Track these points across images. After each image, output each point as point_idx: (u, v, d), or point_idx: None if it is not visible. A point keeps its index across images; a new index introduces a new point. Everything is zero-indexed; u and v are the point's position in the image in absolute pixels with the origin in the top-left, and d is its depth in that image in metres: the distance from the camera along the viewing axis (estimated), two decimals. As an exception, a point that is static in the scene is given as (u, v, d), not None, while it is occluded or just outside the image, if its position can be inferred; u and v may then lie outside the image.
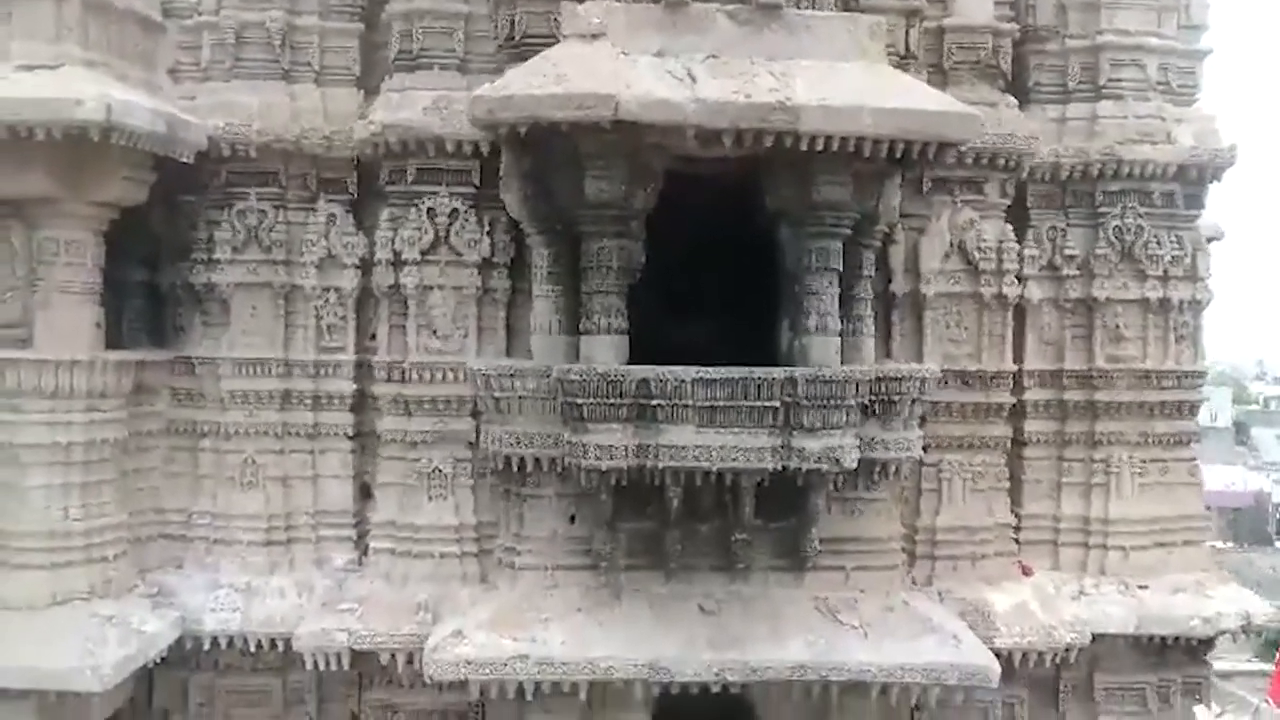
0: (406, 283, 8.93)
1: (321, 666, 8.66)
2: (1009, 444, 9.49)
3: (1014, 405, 9.52)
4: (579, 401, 7.63)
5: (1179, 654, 9.58)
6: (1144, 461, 9.58)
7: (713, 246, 8.91)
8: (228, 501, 9.21)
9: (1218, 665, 29.20)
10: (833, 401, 7.66)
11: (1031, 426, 9.63)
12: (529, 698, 7.87)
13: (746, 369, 7.61)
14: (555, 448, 8.19)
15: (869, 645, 8.04)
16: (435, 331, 8.95)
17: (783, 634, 8.10)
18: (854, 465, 7.81)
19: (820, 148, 7.22)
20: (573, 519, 8.52)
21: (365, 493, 9.47)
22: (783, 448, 7.69)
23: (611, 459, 7.63)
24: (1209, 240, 10.47)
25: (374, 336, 9.31)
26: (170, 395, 9.36)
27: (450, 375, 8.92)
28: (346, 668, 8.67)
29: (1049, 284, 9.60)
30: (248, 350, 9.19)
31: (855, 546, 8.63)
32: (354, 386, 9.35)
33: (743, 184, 8.10)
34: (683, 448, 7.64)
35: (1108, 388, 9.49)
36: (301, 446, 9.34)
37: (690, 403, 7.60)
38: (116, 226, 8.76)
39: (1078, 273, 9.55)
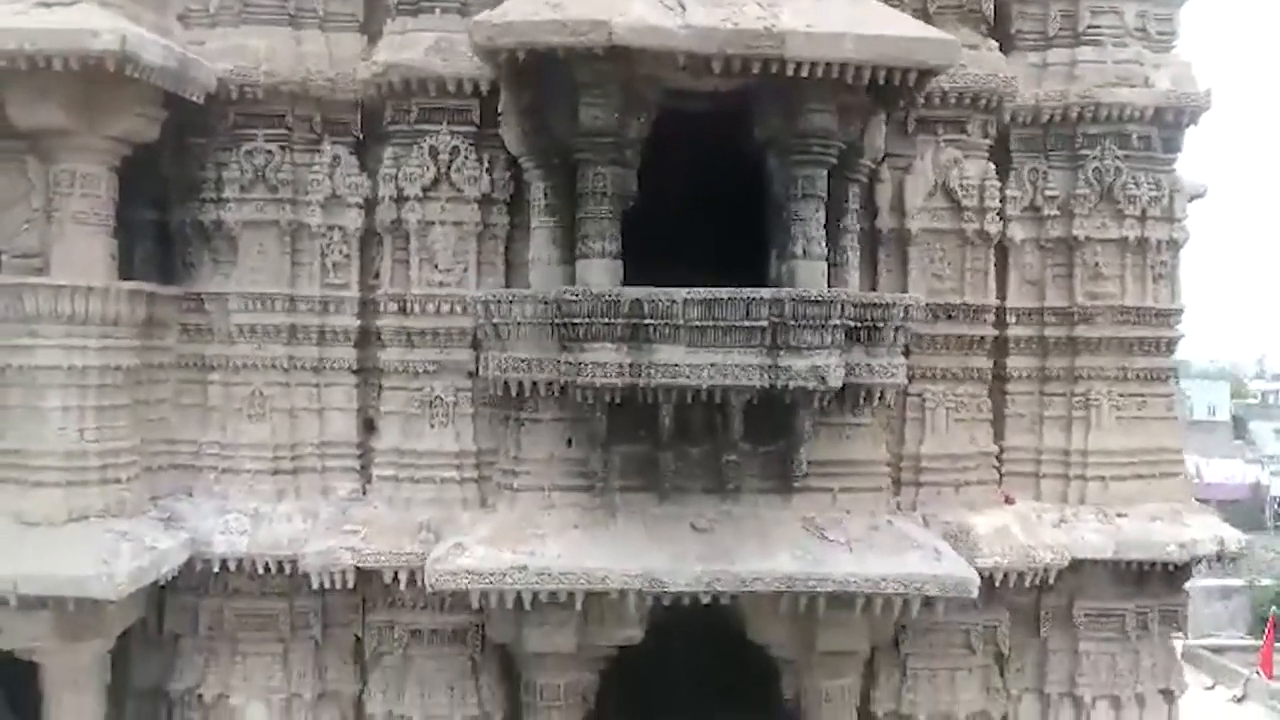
0: (409, 218, 9.25)
1: (327, 585, 8.97)
2: (991, 377, 9.79)
3: (996, 339, 9.84)
4: (575, 321, 7.95)
5: (1156, 582, 9.88)
6: (1122, 396, 9.88)
7: (706, 202, 9.29)
8: (236, 432, 9.52)
9: (1212, 641, 29.70)
10: (818, 322, 7.97)
11: (1014, 362, 9.94)
12: (527, 608, 8.17)
13: (735, 289, 7.93)
14: (552, 371, 8.50)
15: (854, 559, 8.35)
16: (437, 265, 9.27)
17: (771, 549, 8.41)
18: (839, 384, 8.12)
19: (805, 74, 7.54)
20: (569, 442, 8.84)
21: (369, 426, 9.78)
22: (770, 367, 8.01)
23: (606, 376, 7.95)
24: (1192, 197, 10.81)
25: (377, 275, 9.64)
26: (180, 330, 9.67)
27: (451, 307, 9.25)
28: (351, 586, 8.97)
29: (1030, 224, 9.92)
30: (255, 286, 9.50)
31: (842, 469, 8.95)
32: (358, 322, 9.68)
33: (734, 126, 8.43)
34: (674, 365, 7.96)
35: (1087, 324, 9.80)
36: (307, 380, 9.66)
37: (681, 322, 7.92)
38: (128, 164, 9.07)
39: (1058, 213, 9.86)
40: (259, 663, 9.52)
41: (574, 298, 7.90)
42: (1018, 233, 9.88)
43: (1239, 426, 76.47)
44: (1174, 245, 10.07)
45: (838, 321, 8.03)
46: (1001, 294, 9.91)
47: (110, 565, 8.08)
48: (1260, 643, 26.96)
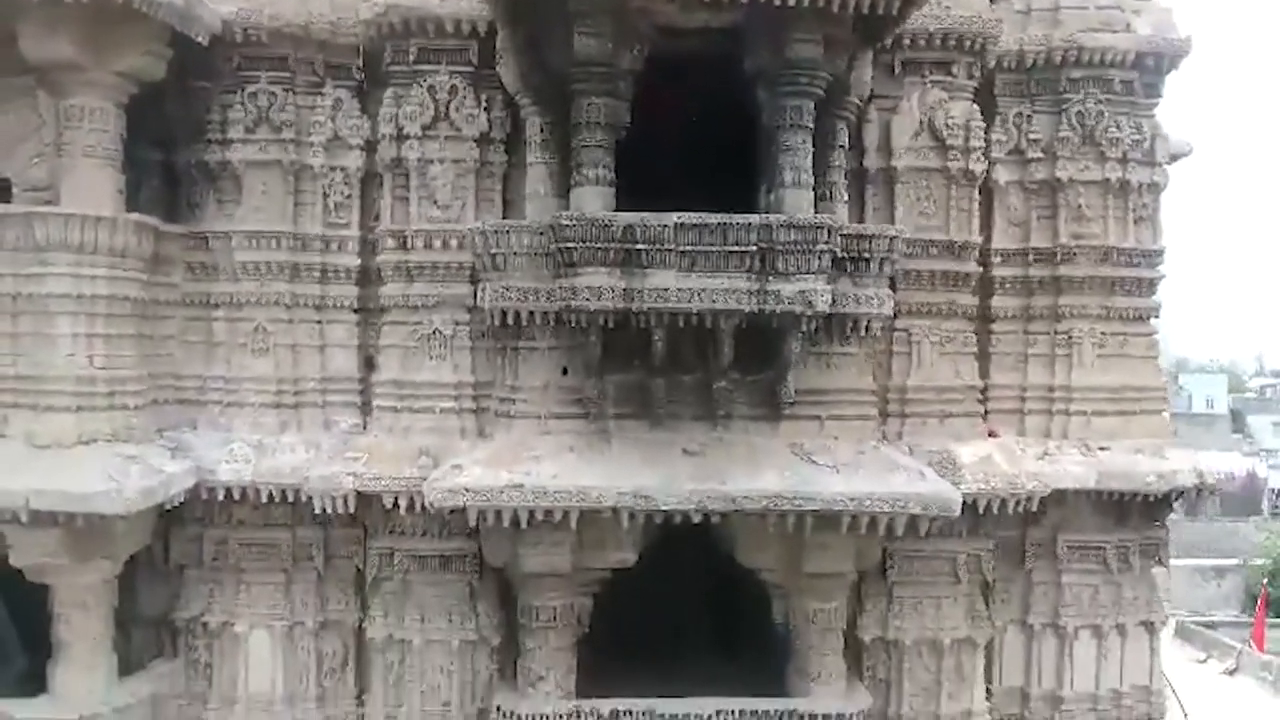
0: (408, 156, 9.50)
1: (329, 510, 9.22)
2: (977, 316, 10.04)
3: (982, 279, 10.09)
4: (569, 246, 8.19)
5: (1137, 515, 10.14)
6: (1105, 334, 10.14)
7: (704, 159, 9.56)
8: (240, 366, 9.78)
9: (1206, 619, 29.95)
10: (806, 247, 8.20)
11: (999, 302, 10.20)
12: (523, 526, 8.41)
13: (726, 215, 8.17)
14: (548, 300, 8.77)
15: (841, 480, 8.59)
16: (436, 202, 9.52)
17: (760, 471, 8.65)
18: (826, 309, 8.35)
19: (792, 2, 7.78)
20: (564, 371, 9.08)
21: (370, 364, 10.04)
22: (759, 292, 8.24)
23: (599, 300, 8.19)
24: (1176, 155, 11.09)
25: (378, 216, 9.89)
26: (185, 268, 9.91)
27: (450, 242, 9.50)
28: (351, 511, 9.22)
29: (1015, 167, 10.18)
30: (258, 224, 9.75)
31: (829, 398, 9.19)
32: (358, 261, 9.94)
33: (727, 73, 8.66)
34: (666, 290, 8.19)
35: (1070, 264, 10.05)
36: (309, 317, 9.91)
37: (672, 247, 8.16)
38: (135, 104, 9.31)
39: (1042, 156, 10.11)
40: (263, 592, 9.79)
41: (568, 222, 8.14)
42: (1002, 175, 10.14)
43: (1237, 420, 76.73)
44: (1155, 188, 10.32)
45: (824, 247, 8.26)
46: (987, 236, 10.16)
47: (119, 483, 8.34)
48: (1252, 619, 27.27)
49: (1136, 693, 10.27)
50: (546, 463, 8.62)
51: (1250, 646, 25.73)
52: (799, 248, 8.20)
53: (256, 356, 9.78)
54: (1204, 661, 26.27)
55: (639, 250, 8.17)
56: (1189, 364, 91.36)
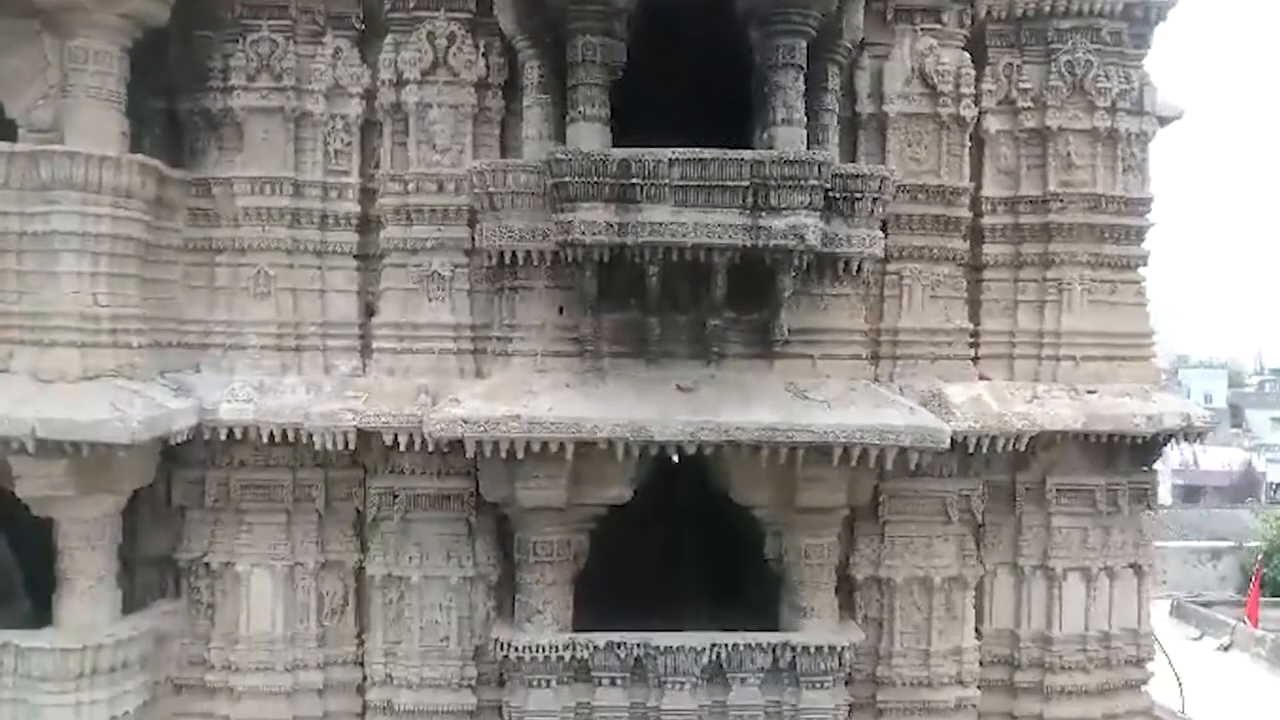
0: (408, 100, 9.65)
1: (329, 447, 9.36)
2: (967, 258, 10.18)
3: (972, 226, 10.23)
4: (565, 181, 8.36)
5: (1125, 459, 10.27)
6: (1094, 281, 10.25)
7: (696, 104, 9.72)
8: (241, 309, 9.91)
9: (1204, 596, 30.10)
10: (797, 182, 8.38)
11: (989, 250, 10.34)
12: (519, 457, 8.57)
13: (719, 150, 8.35)
14: (545, 240, 8.94)
15: (832, 413, 8.76)
16: (434, 146, 9.66)
17: (753, 406, 8.82)
18: (817, 243, 8.52)
19: (781, -62, 7.96)
20: (561, 310, 9.26)
21: (369, 311, 10.19)
22: (751, 227, 8.43)
23: (594, 234, 8.37)
24: (1167, 120, 11.25)
25: (377, 164, 10.03)
26: (188, 214, 10.03)
27: (448, 186, 9.64)
28: (351, 448, 9.36)
29: (1005, 117, 10.30)
30: (260, 170, 9.85)
31: (821, 337, 9.37)
32: (358, 208, 10.07)
33: (719, 8, 8.82)
34: (660, 224, 8.37)
35: (1060, 211, 10.18)
36: (310, 263, 10.04)
37: (667, 182, 8.34)
38: (139, 50, 9.45)
39: (1031, 105, 10.23)
40: (264, 532, 9.91)
41: (564, 157, 8.31)
42: (993, 124, 10.27)
43: (1236, 415, 77.04)
44: (1143, 138, 10.45)
45: (816, 182, 8.42)
46: (977, 184, 10.29)
47: (123, 413, 8.48)
48: (1247, 599, 27.41)
49: (1125, 635, 10.40)
50: (543, 397, 8.79)
51: (1244, 623, 25.88)
52: (791, 183, 8.37)
53: (258, 300, 9.92)
54: (1199, 639, 26.42)
55: (634, 185, 8.35)
56: (1189, 360, 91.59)
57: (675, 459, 9.02)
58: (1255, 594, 26.27)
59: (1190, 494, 57.60)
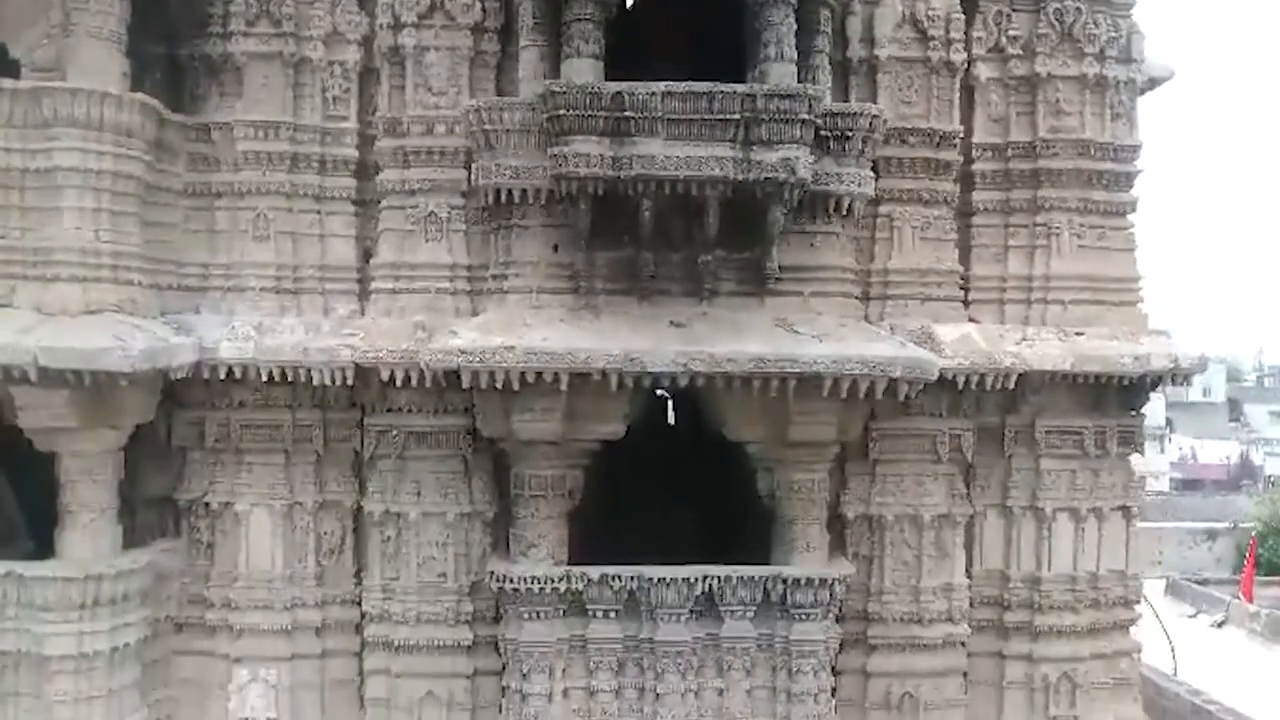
0: (405, 43, 9.78)
1: (328, 382, 9.50)
2: (956, 202, 10.31)
3: (963, 173, 10.36)
4: (560, 115, 8.49)
5: (1113, 402, 10.39)
6: (1083, 226, 10.37)
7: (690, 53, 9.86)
8: (241, 251, 10.05)
9: (1201, 575, 30.17)
10: (788, 116, 8.51)
11: (979, 196, 10.47)
12: (515, 388, 8.69)
13: (711, 84, 8.48)
14: (540, 178, 9.08)
15: (823, 346, 8.89)
16: (431, 89, 9.80)
17: (745, 339, 8.96)
18: (808, 176, 8.65)
19: None
20: (555, 248, 9.39)
21: (367, 257, 10.32)
22: (743, 160, 8.57)
23: (589, 167, 8.50)
24: (1157, 81, 11.39)
25: (375, 110, 10.16)
26: (188, 159, 10.17)
27: (445, 128, 9.78)
28: (350, 381, 9.49)
29: (995, 64, 10.43)
30: (259, 114, 9.99)
31: (812, 274, 9.51)
32: (356, 154, 10.22)
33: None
34: (653, 157, 8.51)
35: (1049, 157, 10.31)
36: (309, 207, 10.17)
37: (660, 115, 8.47)
38: (140, -6, 9.60)
39: (1021, 53, 10.36)
40: (263, 472, 10.03)
41: (558, 90, 8.44)
42: (983, 72, 10.40)
43: (1234, 409, 77.17)
44: (1131, 85, 10.58)
45: (806, 116, 8.55)
46: (968, 131, 10.42)
47: (126, 343, 8.62)
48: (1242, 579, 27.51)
49: (1113, 576, 10.52)
50: (538, 330, 8.92)
51: (1239, 600, 25.99)
52: (781, 116, 8.50)
53: (257, 243, 10.05)
54: (1194, 616, 26.53)
55: (627, 119, 8.48)
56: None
57: (670, 399, 9.16)
58: (1250, 571, 26.38)
59: (1188, 487, 57.90)
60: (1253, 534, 29.08)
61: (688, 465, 11.48)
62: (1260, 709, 17.39)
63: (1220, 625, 25.74)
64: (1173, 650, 18.62)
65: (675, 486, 11.58)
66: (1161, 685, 16.64)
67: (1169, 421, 67.68)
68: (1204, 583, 28.20)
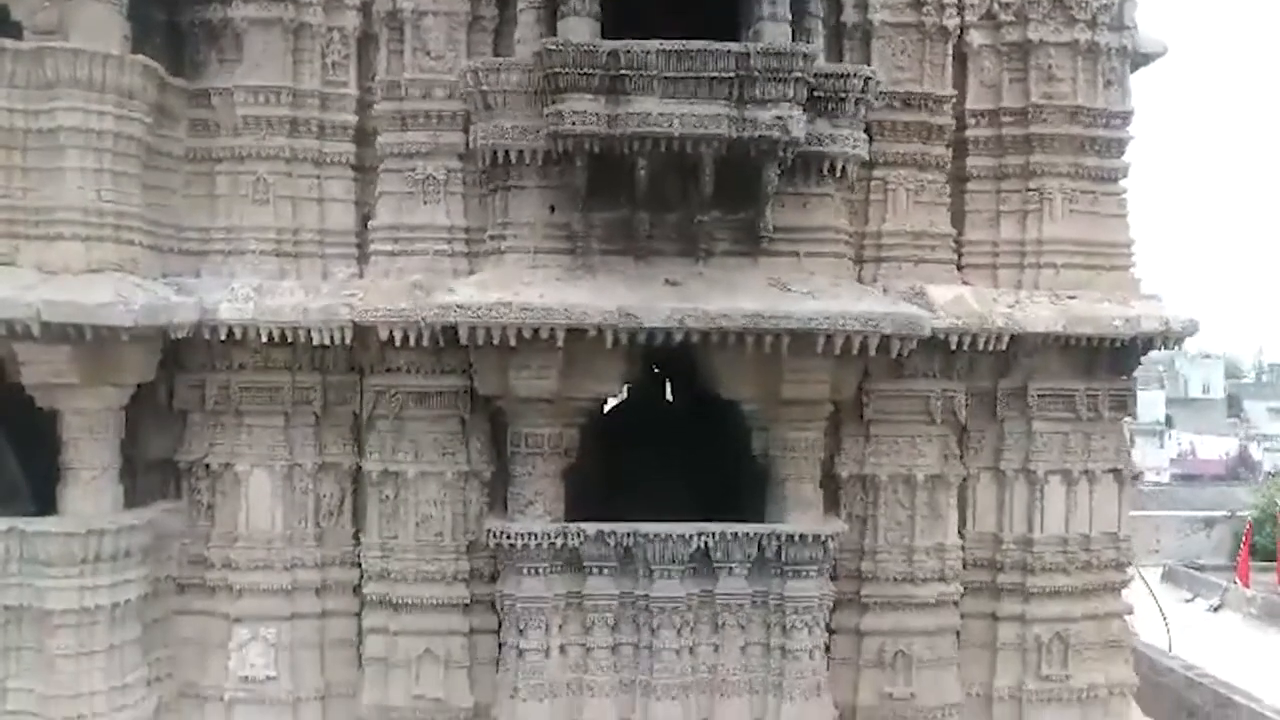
0: (404, 7, 9.88)
1: (327, 342, 9.61)
2: (950, 167, 10.41)
3: (956, 140, 10.46)
4: (556, 72, 8.60)
5: (1105, 365, 10.48)
6: (1075, 191, 10.46)
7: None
8: (241, 215, 10.14)
9: (1199, 562, 30.23)
10: (782, 74, 8.61)
11: (973, 162, 10.57)
12: (512, 343, 8.79)
13: (706, 42, 8.58)
14: (537, 139, 9.18)
15: (816, 303, 9.00)
16: (429, 52, 9.91)
17: (739, 297, 9.06)
18: (801, 135, 8.75)
19: None
20: (552, 209, 9.50)
21: (366, 223, 10.41)
22: (737, 119, 8.67)
23: (585, 124, 8.60)
24: (1151, 56, 11.50)
25: (373, 76, 10.27)
26: (189, 125, 10.28)
27: (443, 91, 9.89)
28: (348, 340, 9.59)
29: (988, 31, 10.52)
30: (259, 79, 10.08)
31: (806, 235, 9.61)
32: (355, 119, 10.32)
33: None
34: (648, 114, 8.61)
35: (1041, 122, 10.40)
36: (308, 172, 10.26)
37: (655, 73, 8.57)
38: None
39: (1014, 19, 10.44)
40: (263, 434, 10.13)
41: (555, 48, 8.55)
42: (976, 39, 10.49)
43: (1233, 405, 77.30)
44: (1123, 53, 10.68)
45: (800, 75, 8.66)
46: (961, 97, 10.52)
47: (127, 299, 8.73)
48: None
49: (1105, 539, 10.61)
50: (535, 287, 9.04)
51: (1235, 583, 26.07)
52: (775, 75, 8.61)
53: (257, 206, 10.15)
54: (1190, 600, 26.61)
55: (623, 77, 8.58)
56: (1187, 355, 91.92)
57: (669, 379, 9.23)
58: (1245, 556, 26.47)
59: (1188, 482, 58.05)
60: (1248, 522, 29.13)
61: (685, 441, 11.56)
62: (1255, 689, 17.48)
63: (1216, 609, 25.82)
64: (1167, 626, 18.73)
65: (672, 462, 11.64)
66: (1156, 660, 16.73)
67: (1168, 418, 67.85)
68: (1201, 569, 28.27)
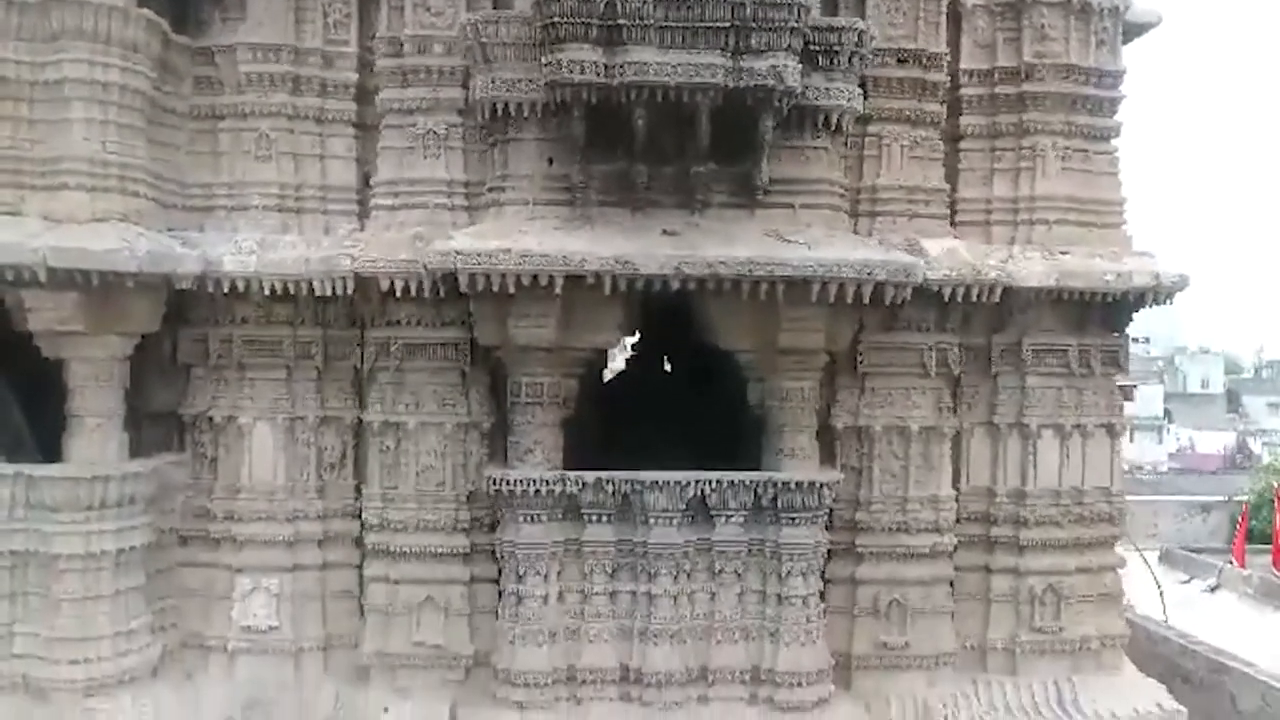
0: (404, -37, 10.03)
1: (329, 293, 9.73)
2: (944, 123, 10.53)
3: (951, 99, 10.58)
4: (554, 22, 8.70)
5: (1097, 320, 10.63)
6: (1068, 149, 10.60)
7: None
8: (244, 171, 10.27)
9: (1196, 545, 30.22)
10: (777, 24, 8.71)
11: (966, 120, 10.71)
12: (511, 291, 8.92)
13: (702, -9, 8.70)
14: (535, 91, 9.31)
15: (811, 251, 9.12)
16: (429, 9, 10.04)
17: (735, 246, 9.18)
18: (796, 85, 8.86)
19: None
20: (551, 161, 9.62)
21: (367, 181, 10.54)
22: (733, 68, 8.77)
23: (583, 73, 8.71)
24: (1144, 28, 11.62)
25: (374, 35, 10.39)
26: (193, 82, 10.41)
27: (443, 48, 10.01)
28: (350, 290, 9.71)
29: (982, -10, 10.68)
30: (261, 37, 10.23)
31: (802, 187, 9.73)
32: (356, 78, 10.45)
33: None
34: (645, 64, 8.70)
35: (1034, 81, 10.53)
36: (310, 129, 10.40)
37: (651, 23, 8.67)
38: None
39: (1007, -22, 10.62)
40: (265, 387, 10.28)
41: (553, -2, 8.67)
42: (970, -1, 10.66)
43: (1232, 400, 77.35)
44: (1115, 13, 10.80)
45: (795, 25, 8.76)
46: (955, 57, 10.65)
47: (132, 245, 8.86)
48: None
49: (1097, 493, 10.75)
50: (533, 236, 9.16)
51: (1231, 563, 26.15)
52: (770, 25, 8.72)
53: (260, 163, 10.27)
54: (1187, 582, 26.66)
55: (620, 26, 8.68)
56: (1187, 351, 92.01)
57: (662, 331, 9.34)
58: (1242, 538, 26.54)
59: (1187, 475, 58.12)
60: (1244, 504, 29.23)
61: (683, 415, 11.68)
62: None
63: (1213, 590, 25.85)
64: (1163, 601, 18.84)
65: (671, 434, 11.74)
66: (1152, 630, 16.85)
67: (1167, 412, 67.96)
68: (1198, 552, 28.34)
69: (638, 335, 14.84)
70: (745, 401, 10.12)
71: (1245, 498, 32.07)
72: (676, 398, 13.08)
